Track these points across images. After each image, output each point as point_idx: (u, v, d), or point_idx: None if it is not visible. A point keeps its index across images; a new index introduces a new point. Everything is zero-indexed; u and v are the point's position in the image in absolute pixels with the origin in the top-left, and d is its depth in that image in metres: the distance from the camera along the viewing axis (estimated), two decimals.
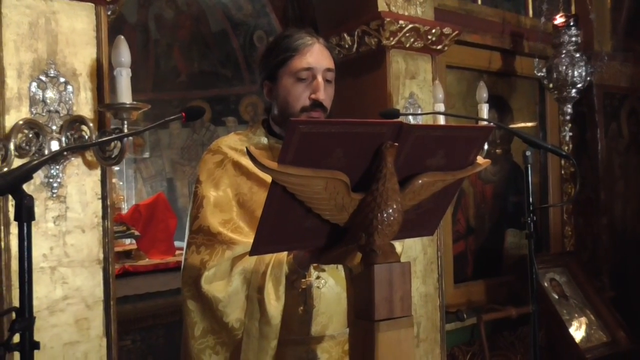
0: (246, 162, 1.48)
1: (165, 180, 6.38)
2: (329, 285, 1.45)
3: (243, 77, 6.12)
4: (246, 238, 1.40)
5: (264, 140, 1.55)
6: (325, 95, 1.46)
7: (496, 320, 3.07)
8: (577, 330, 3.08)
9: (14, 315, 1.03)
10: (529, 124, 3.62)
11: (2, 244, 1.63)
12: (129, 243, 4.30)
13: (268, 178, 1.04)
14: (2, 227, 1.63)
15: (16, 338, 1.02)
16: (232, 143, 1.54)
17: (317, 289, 1.44)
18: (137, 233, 4.08)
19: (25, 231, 1.01)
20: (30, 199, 1.03)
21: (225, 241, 1.40)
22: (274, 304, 1.35)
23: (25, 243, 1.00)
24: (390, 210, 1.11)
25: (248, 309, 1.38)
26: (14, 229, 1.62)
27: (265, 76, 1.52)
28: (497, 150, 3.45)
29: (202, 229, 1.44)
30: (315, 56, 1.46)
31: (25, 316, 1.02)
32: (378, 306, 1.09)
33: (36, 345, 1.01)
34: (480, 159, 1.26)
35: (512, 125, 3.50)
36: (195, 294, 1.42)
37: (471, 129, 1.41)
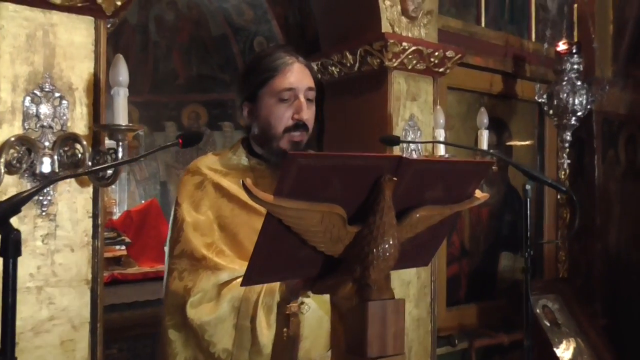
0: (227, 183, 1.45)
1: (158, 183, 6.33)
2: (312, 309, 1.42)
3: None
4: (230, 262, 1.37)
5: (245, 161, 1.51)
6: (308, 115, 1.44)
7: (488, 346, 3.04)
8: (569, 359, 3.06)
9: None
10: (526, 143, 3.61)
11: None
12: (118, 249, 4.25)
13: (251, 201, 1.01)
14: None
15: None
16: (211, 164, 1.50)
17: (300, 314, 1.41)
18: (127, 240, 4.02)
19: (10, 268, 0.97)
20: (18, 233, 0.99)
21: (210, 266, 1.36)
22: (266, 333, 1.32)
23: (11, 282, 0.96)
24: (387, 245, 1.09)
25: (237, 338, 1.34)
26: None
27: (245, 97, 1.49)
28: (494, 168, 3.43)
29: (185, 253, 1.40)
30: (296, 75, 1.44)
31: (7, 356, 0.97)
32: (371, 343, 1.07)
33: None
34: (478, 193, 1.25)
35: (509, 143, 3.49)
36: (178, 323, 1.38)
37: (471, 164, 1.39)
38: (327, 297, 1.45)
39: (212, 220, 1.43)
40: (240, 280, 1.31)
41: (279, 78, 1.43)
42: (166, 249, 1.46)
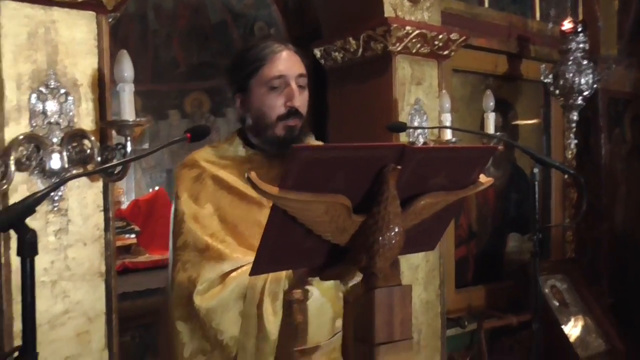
0: (226, 175, 1.45)
1: (164, 171, 6.34)
2: (314, 297, 1.42)
3: None
4: (233, 251, 1.38)
5: (241, 152, 1.51)
6: (300, 101, 1.44)
7: (497, 327, 3.07)
8: (576, 338, 3.08)
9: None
10: (532, 121, 3.59)
11: (2, 259, 1.61)
12: (128, 237, 4.28)
13: (251, 191, 1.01)
14: (2, 242, 1.61)
15: None
16: (208, 156, 1.50)
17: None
18: (137, 229, 4.05)
19: (27, 267, 0.99)
20: (33, 233, 1.00)
21: (213, 257, 1.38)
22: (272, 320, 1.34)
23: (29, 281, 0.97)
24: (392, 234, 1.10)
25: (243, 325, 1.36)
26: (13, 243, 1.60)
27: (236, 89, 1.49)
28: (500, 147, 3.41)
29: (187, 245, 1.41)
30: (286, 63, 1.43)
31: (28, 352, 1.00)
32: (378, 330, 1.08)
33: None
34: (483, 177, 1.25)
35: (515, 122, 3.47)
36: (184, 315, 1.40)
37: (475, 150, 1.39)
38: (330, 284, 1.47)
39: (212, 212, 1.43)
40: (244, 268, 1.34)
41: (268, 66, 1.42)
42: (170, 242, 1.47)
